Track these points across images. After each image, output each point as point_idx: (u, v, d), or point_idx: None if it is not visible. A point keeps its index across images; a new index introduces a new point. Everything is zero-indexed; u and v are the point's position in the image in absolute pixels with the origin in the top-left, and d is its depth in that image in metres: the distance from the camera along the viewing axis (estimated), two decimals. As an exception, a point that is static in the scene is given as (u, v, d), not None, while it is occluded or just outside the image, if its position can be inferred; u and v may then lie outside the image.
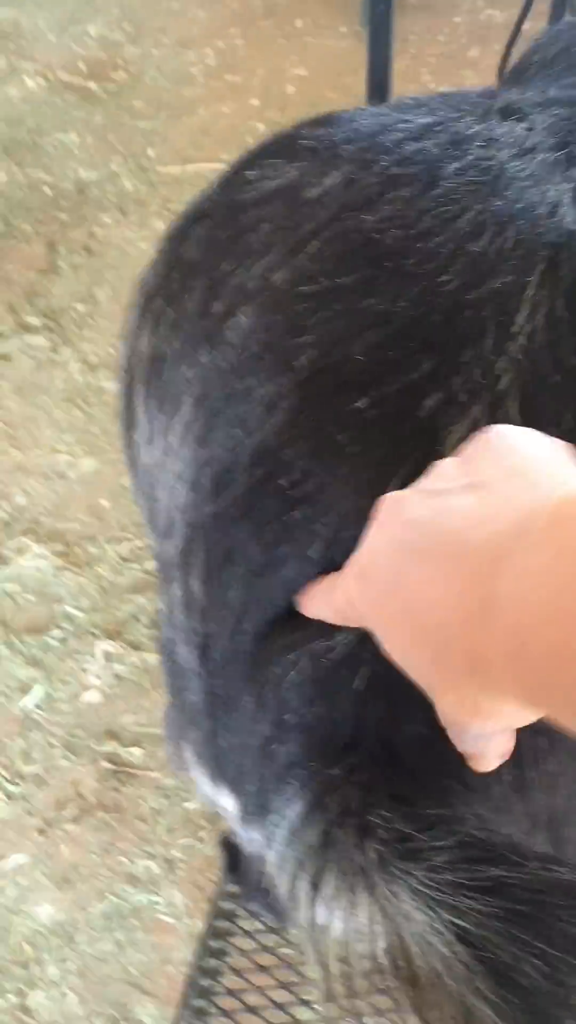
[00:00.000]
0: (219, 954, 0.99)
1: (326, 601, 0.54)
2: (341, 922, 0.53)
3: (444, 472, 0.50)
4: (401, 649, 0.48)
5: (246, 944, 1.00)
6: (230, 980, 0.98)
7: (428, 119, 0.70)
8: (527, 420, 0.56)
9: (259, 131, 2.64)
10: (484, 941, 0.47)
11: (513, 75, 0.89)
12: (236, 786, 0.65)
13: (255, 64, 2.86)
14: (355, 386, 0.57)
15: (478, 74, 2.74)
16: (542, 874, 0.49)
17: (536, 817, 0.58)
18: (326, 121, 0.73)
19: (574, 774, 0.57)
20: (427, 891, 0.49)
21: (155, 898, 1.49)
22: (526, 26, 1.50)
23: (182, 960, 1.42)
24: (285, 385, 0.59)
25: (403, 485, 0.54)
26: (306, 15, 3.01)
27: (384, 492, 0.54)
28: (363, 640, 0.55)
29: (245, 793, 0.64)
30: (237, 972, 0.99)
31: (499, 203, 0.63)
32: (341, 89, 2.69)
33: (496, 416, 0.56)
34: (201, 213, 0.72)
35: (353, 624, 0.53)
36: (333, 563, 0.56)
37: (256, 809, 0.63)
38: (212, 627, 0.62)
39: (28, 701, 1.68)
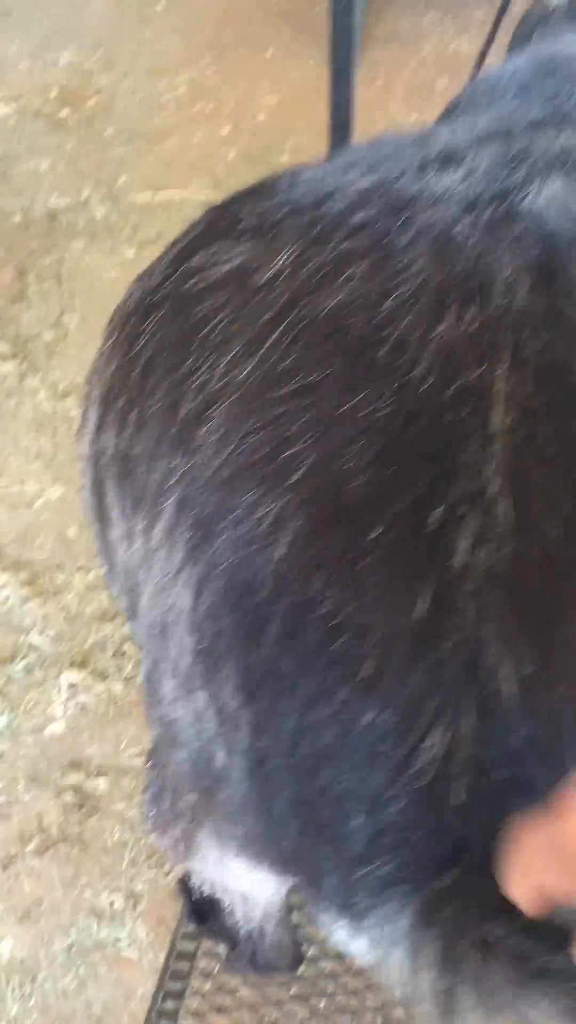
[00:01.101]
0: (177, 996, 0.98)
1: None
2: None
3: None
4: None
5: (204, 986, 1.00)
6: (189, 1022, 0.97)
7: (367, 182, 0.70)
8: (521, 517, 0.57)
9: (230, 159, 2.65)
10: None
11: (446, 112, 0.90)
12: (309, 882, 0.66)
13: (226, 93, 2.88)
14: (365, 512, 0.58)
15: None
16: None
17: None
18: (262, 192, 0.72)
19: None
20: (568, 1005, 0.51)
21: (118, 932, 1.47)
22: (491, 58, 1.52)
23: (145, 995, 1.40)
24: (288, 506, 0.59)
25: (430, 604, 0.56)
26: (277, 44, 3.04)
27: (414, 610, 0.55)
28: (451, 755, 0.56)
29: (321, 889, 0.65)
30: (195, 1014, 0.98)
31: (453, 276, 0.63)
32: (311, 117, 2.71)
33: (494, 521, 0.57)
34: (150, 306, 0.71)
35: None
36: (380, 684, 0.57)
37: (340, 905, 0.64)
38: (267, 744, 0.62)
39: (-8, 733, 1.67)
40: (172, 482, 0.65)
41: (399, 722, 0.58)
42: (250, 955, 1.05)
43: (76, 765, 1.64)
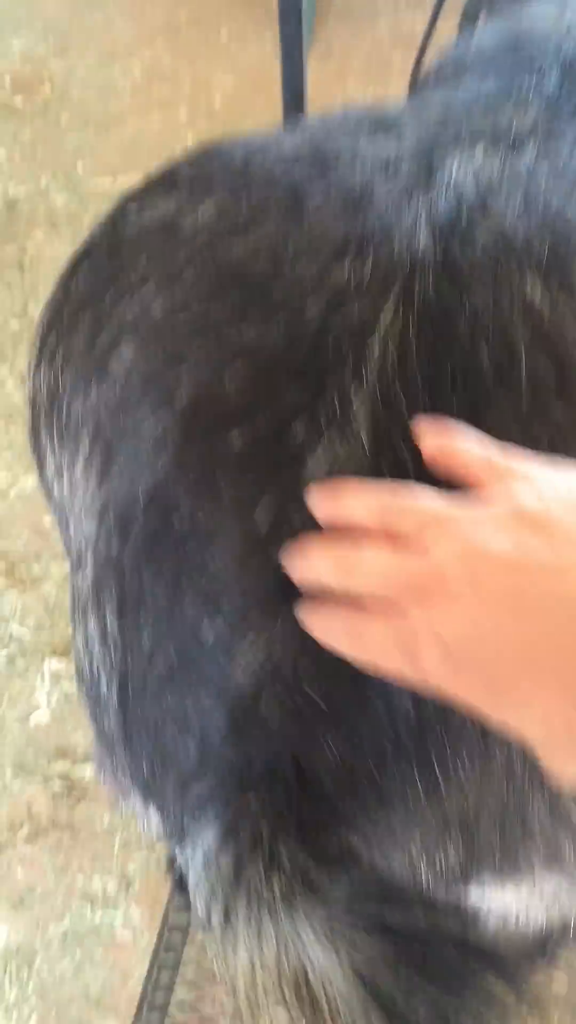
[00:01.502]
0: (172, 966, 0.99)
1: (406, 668, 0.52)
2: (247, 948, 0.55)
3: (486, 516, 0.50)
4: (522, 712, 0.48)
5: (199, 955, 1.01)
6: (184, 992, 0.98)
7: (297, 141, 0.73)
8: (376, 443, 0.59)
9: (188, 141, 2.64)
10: (379, 981, 0.50)
11: (413, 89, 0.92)
12: (161, 809, 0.67)
13: (182, 75, 2.86)
14: (230, 420, 0.60)
15: (404, 78, 2.77)
16: (427, 919, 0.52)
17: (448, 820, 0.60)
18: (204, 152, 0.76)
19: (480, 777, 0.59)
20: (328, 930, 0.52)
21: (113, 916, 1.48)
22: (443, 33, 1.53)
23: (141, 976, 1.41)
24: (169, 420, 0.62)
25: (273, 514, 0.57)
26: (231, 24, 3.02)
27: (253, 518, 0.57)
28: (273, 677, 0.57)
29: (169, 815, 0.66)
30: (190, 984, 0.99)
31: (360, 227, 0.66)
32: (268, 96, 2.70)
33: (347, 439, 0.59)
34: (88, 249, 0.75)
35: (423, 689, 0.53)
36: (217, 596, 0.58)
37: (177, 832, 0.64)
38: (129, 664, 0.63)
39: (-24, 724, 1.67)
40: (87, 412, 0.67)
41: (229, 634, 0.58)
42: None
43: (63, 752, 1.64)
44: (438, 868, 0.61)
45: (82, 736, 1.66)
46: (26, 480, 1.99)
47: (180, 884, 1.05)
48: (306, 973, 0.53)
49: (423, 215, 0.66)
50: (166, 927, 1.05)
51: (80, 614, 0.67)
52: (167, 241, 0.69)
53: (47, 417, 0.72)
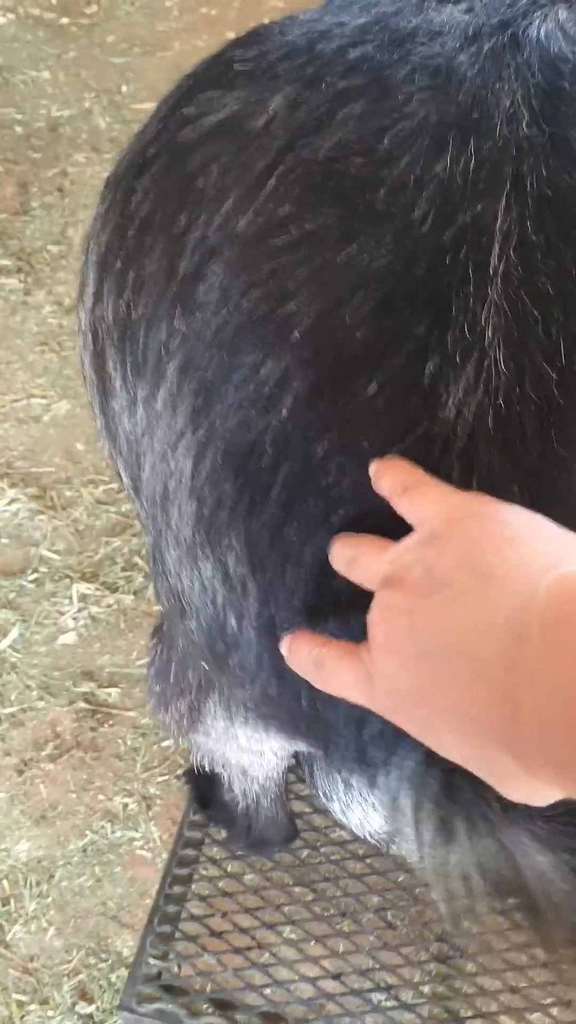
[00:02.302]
0: (185, 881, 1.00)
1: (363, 701, 0.57)
2: (467, 865, 0.57)
3: (409, 563, 0.53)
4: (441, 746, 0.53)
5: (212, 871, 1.01)
6: (195, 906, 0.99)
7: (363, 19, 0.67)
8: (518, 370, 0.56)
9: (235, 66, 2.58)
10: None
11: None
12: (321, 739, 0.67)
13: (231, -4, 2.79)
14: (362, 367, 0.57)
15: None
16: None
17: None
18: (256, 38, 0.68)
19: None
20: (547, 835, 0.54)
21: (133, 834, 1.50)
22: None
23: (159, 893, 1.44)
24: (289, 365, 0.58)
25: (409, 451, 0.56)
26: (283, -55, 2.94)
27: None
28: None
29: (334, 744, 0.66)
30: (202, 898, 1.00)
31: (454, 110, 0.60)
32: (319, 21, 2.63)
33: (486, 370, 0.56)
34: (145, 161, 0.68)
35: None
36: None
37: (354, 757, 0.65)
38: (274, 612, 0.63)
39: (4, 643, 1.69)
40: (174, 345, 0.62)
41: None
42: (246, 830, 1.08)
43: (88, 675, 1.66)
44: None
45: (108, 659, 1.67)
46: (60, 406, 1.99)
47: (195, 797, 1.06)
48: (523, 875, 0.55)
49: (519, 91, 0.60)
50: (180, 841, 1.06)
51: (183, 552, 0.65)
52: (238, 146, 0.63)
53: (116, 347, 0.67)
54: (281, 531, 0.60)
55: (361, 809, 0.87)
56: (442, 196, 0.58)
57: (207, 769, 1.01)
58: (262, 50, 0.67)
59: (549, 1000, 0.97)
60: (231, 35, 2.40)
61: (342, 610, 0.60)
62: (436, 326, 0.56)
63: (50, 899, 1.46)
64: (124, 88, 2.57)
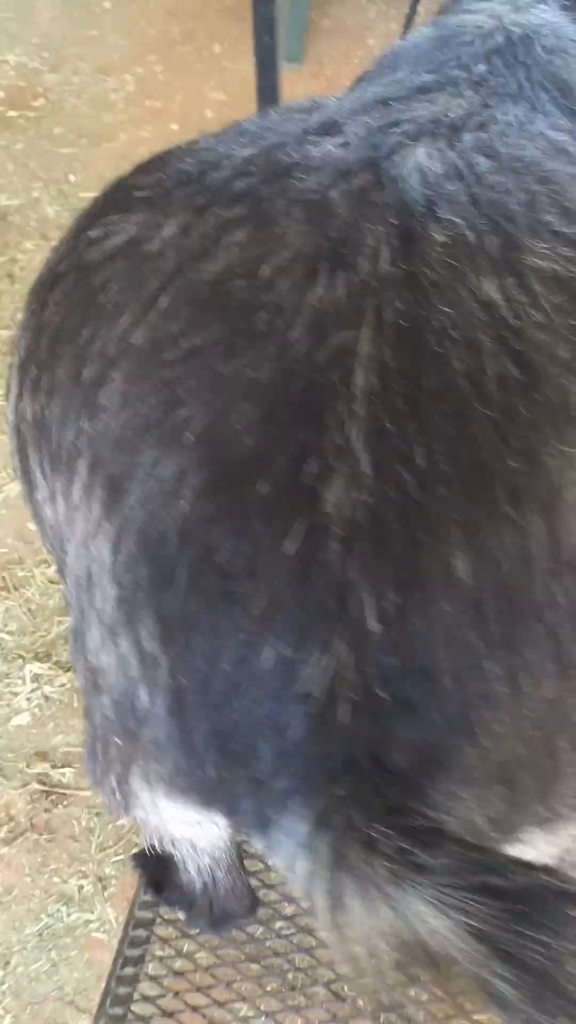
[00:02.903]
0: (136, 962, 1.01)
1: None
2: (363, 928, 0.60)
3: None
4: None
5: (163, 951, 1.03)
6: (147, 986, 1.00)
7: (251, 150, 0.75)
8: (380, 473, 0.63)
9: (179, 155, 2.67)
10: (493, 936, 0.55)
11: (355, 84, 0.95)
12: (229, 808, 0.72)
13: (174, 89, 2.90)
14: (252, 467, 0.64)
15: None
16: (530, 878, 0.58)
17: (491, 774, 0.67)
18: (157, 165, 0.78)
19: (513, 730, 0.66)
20: (438, 899, 0.57)
21: (88, 916, 1.50)
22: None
23: (116, 975, 1.43)
24: (184, 464, 0.65)
25: (303, 546, 0.63)
26: (223, 40, 3.07)
27: (291, 553, 0.62)
28: (343, 686, 0.63)
29: (239, 813, 0.71)
30: (153, 979, 1.01)
31: (325, 243, 0.69)
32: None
33: (353, 470, 0.63)
34: (56, 277, 0.76)
35: None
36: (271, 622, 0.64)
37: (258, 824, 0.69)
38: (182, 682, 0.68)
39: (-43, 727, 1.69)
40: (83, 444, 0.70)
41: (289, 653, 0.64)
42: (208, 908, 1.10)
43: (42, 755, 1.66)
44: (491, 821, 0.68)
45: (62, 739, 1.68)
46: (10, 488, 2.01)
47: (148, 881, 1.07)
48: (421, 937, 0.58)
49: (381, 230, 0.69)
50: (131, 923, 1.07)
51: (107, 633, 0.70)
52: (134, 267, 0.71)
53: (35, 445, 0.75)
54: (186, 606, 0.66)
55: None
56: (314, 321, 0.66)
57: (159, 849, 1.03)
58: (159, 178, 0.76)
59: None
60: (175, 127, 2.50)
61: (270, 677, 0.65)
62: (314, 433, 0.64)
63: (6, 986, 1.45)
64: (72, 177, 2.65)
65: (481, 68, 0.86)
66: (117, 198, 0.79)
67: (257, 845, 0.72)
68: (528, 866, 0.61)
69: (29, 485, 0.78)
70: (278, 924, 1.07)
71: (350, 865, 0.60)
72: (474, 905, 0.57)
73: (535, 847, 0.76)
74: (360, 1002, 1.06)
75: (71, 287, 0.74)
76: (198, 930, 1.08)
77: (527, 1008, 0.55)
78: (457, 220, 0.70)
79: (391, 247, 0.68)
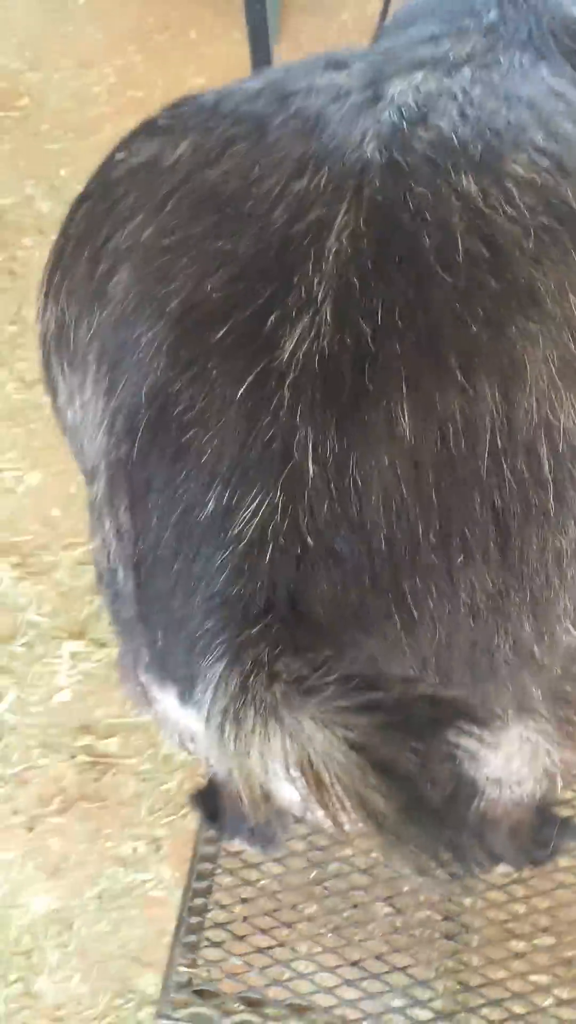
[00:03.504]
0: (204, 893, 1.06)
1: None
2: (259, 751, 0.64)
3: None
4: None
5: (228, 881, 1.07)
6: (217, 914, 1.05)
7: (259, 84, 0.83)
8: (340, 324, 0.68)
9: (166, 142, 2.71)
10: (369, 746, 0.59)
11: (372, 41, 1.01)
12: (176, 678, 0.75)
13: (155, 78, 2.93)
14: (216, 319, 0.70)
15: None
16: (407, 691, 0.62)
17: (425, 654, 0.70)
18: (180, 102, 0.88)
19: (444, 612, 0.66)
20: (323, 716, 0.61)
21: (144, 876, 1.55)
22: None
23: (177, 929, 1.48)
24: (162, 328, 0.71)
25: (254, 391, 0.67)
26: (200, 26, 3.09)
27: (243, 398, 0.67)
28: (275, 528, 0.66)
29: (180, 672, 0.74)
30: (222, 906, 1.06)
31: (316, 144, 0.76)
32: (240, 94, 2.77)
33: (315, 321, 0.68)
34: (83, 195, 0.84)
35: None
36: (218, 467, 0.67)
37: (189, 679, 0.72)
38: (141, 547, 0.72)
39: (1, 708, 1.74)
40: (92, 335, 0.76)
41: (230, 497, 0.67)
42: (246, 829, 1.14)
43: (86, 728, 1.71)
44: None
45: (104, 711, 1.73)
46: (32, 476, 2.06)
47: (207, 816, 1.11)
48: (309, 755, 0.62)
49: (370, 130, 0.76)
50: (197, 857, 1.12)
51: (97, 520, 0.75)
52: (151, 178, 0.79)
53: (57, 349, 0.81)
54: (147, 467, 0.70)
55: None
56: (297, 203, 0.73)
57: (187, 752, 1.06)
58: (180, 110, 0.86)
59: (550, 980, 1.03)
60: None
61: (209, 522, 0.69)
62: (279, 291, 0.70)
63: (71, 948, 1.50)
64: (62, 172, 2.69)
65: (492, 15, 0.91)
66: (145, 126, 0.88)
67: (194, 719, 0.74)
68: (408, 680, 0.65)
69: (53, 393, 0.85)
70: (337, 850, 1.12)
71: (253, 695, 0.64)
72: (354, 719, 0.60)
73: (481, 755, 0.75)
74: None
75: (96, 200, 0.83)
76: (256, 848, 1.12)
77: (397, 823, 0.59)
78: (444, 126, 0.76)
79: (379, 137, 0.75)
